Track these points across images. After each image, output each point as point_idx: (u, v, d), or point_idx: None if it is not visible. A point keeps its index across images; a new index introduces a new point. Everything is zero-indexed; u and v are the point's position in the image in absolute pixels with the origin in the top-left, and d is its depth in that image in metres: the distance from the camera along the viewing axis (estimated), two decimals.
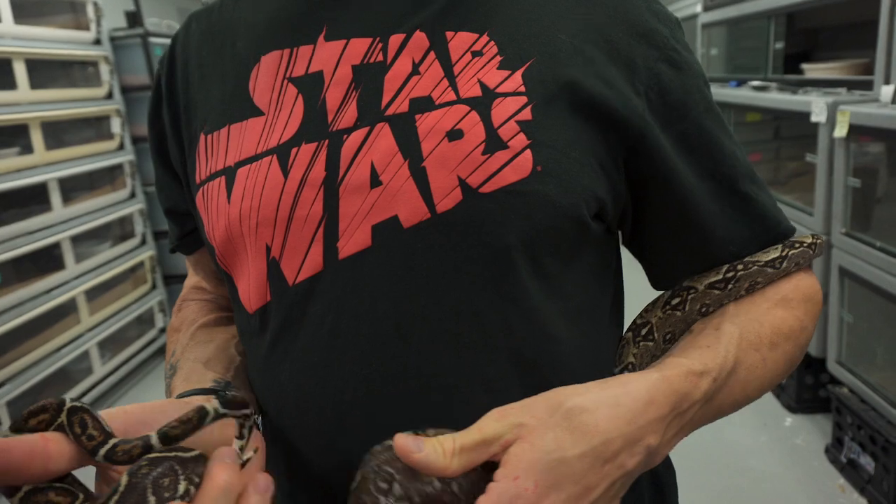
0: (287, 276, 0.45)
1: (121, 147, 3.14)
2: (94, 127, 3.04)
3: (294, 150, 0.45)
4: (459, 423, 0.37)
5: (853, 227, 1.86)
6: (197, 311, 0.61)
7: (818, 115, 1.91)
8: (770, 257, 0.52)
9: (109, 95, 3.10)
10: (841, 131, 1.80)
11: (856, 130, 1.75)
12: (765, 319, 0.49)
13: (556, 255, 0.44)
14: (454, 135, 0.41)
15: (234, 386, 0.47)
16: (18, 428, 0.36)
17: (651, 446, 0.38)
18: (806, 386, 2.23)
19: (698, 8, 3.29)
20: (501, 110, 0.41)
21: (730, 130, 0.51)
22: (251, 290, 0.48)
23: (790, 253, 0.53)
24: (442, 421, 0.39)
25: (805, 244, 0.53)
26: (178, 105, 0.54)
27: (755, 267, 0.51)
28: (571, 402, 0.36)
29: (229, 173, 0.48)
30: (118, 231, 3.16)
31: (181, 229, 0.61)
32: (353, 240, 0.43)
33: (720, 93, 2.75)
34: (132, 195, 3.21)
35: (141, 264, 3.25)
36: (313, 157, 0.44)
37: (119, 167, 3.15)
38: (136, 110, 3.30)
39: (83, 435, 0.35)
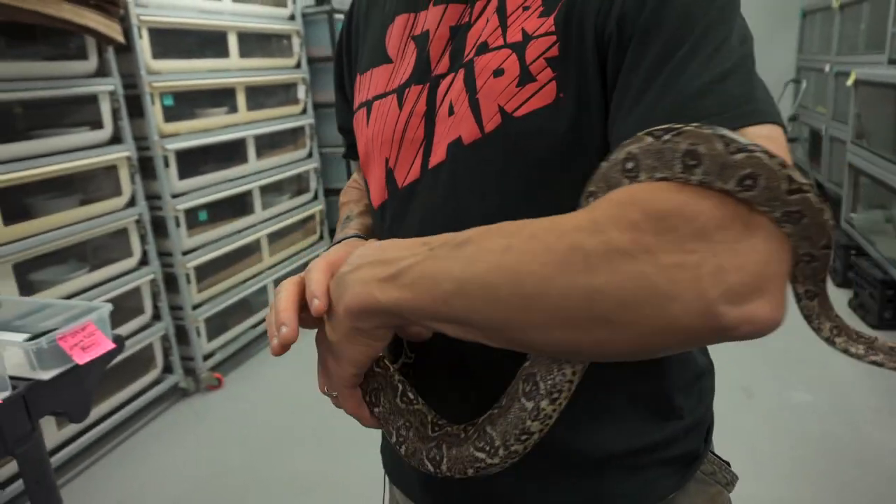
0: (398, 181, 0.62)
1: (304, 111, 3.55)
2: (283, 93, 3.47)
3: (407, 91, 0.61)
4: None
5: None
6: (359, 195, 0.79)
7: None
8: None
9: (298, 65, 3.51)
10: None
11: None
12: (549, 217, 0.42)
13: (582, 166, 0.48)
14: (498, 73, 0.53)
15: None
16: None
17: (342, 272, 0.47)
18: None
19: None
20: (533, 50, 0.52)
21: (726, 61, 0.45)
22: (375, 190, 0.65)
23: (635, 148, 0.40)
24: None
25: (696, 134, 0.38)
26: (352, 49, 0.73)
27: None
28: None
29: (368, 105, 0.66)
30: (296, 186, 3.59)
31: (349, 140, 0.79)
32: (436, 155, 0.58)
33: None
34: (310, 154, 3.62)
35: (312, 217, 3.67)
36: (419, 95, 0.59)
37: (301, 129, 3.56)
38: (319, 79, 3.70)
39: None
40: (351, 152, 0.81)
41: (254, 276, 3.14)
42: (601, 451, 0.59)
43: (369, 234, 0.71)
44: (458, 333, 0.43)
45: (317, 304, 0.48)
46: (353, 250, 0.50)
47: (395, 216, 0.63)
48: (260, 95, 3.23)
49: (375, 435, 0.63)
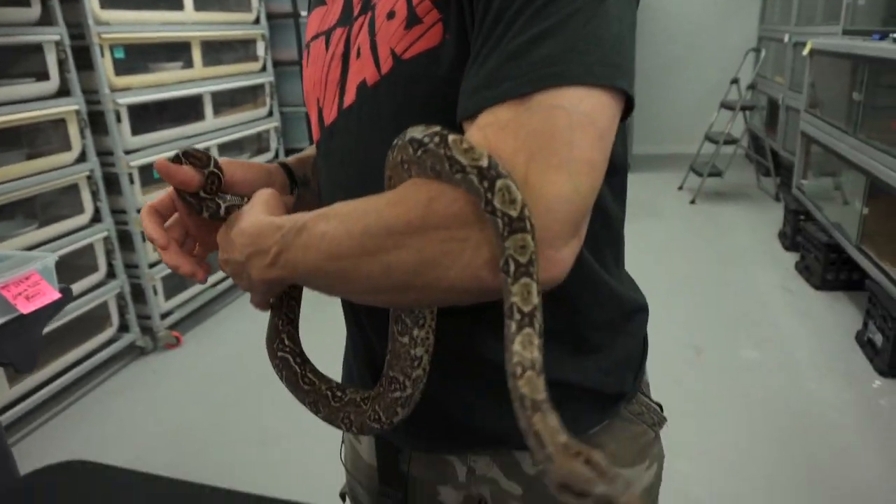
0: (325, 120, 0.64)
1: (263, 69, 3.47)
2: (242, 49, 3.38)
3: (333, 33, 0.63)
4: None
5: None
6: None
7: None
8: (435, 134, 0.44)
9: (257, 21, 3.41)
10: None
11: None
12: (361, 199, 0.49)
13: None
14: (390, 15, 0.55)
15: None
16: (177, 158, 0.60)
17: (238, 261, 0.55)
18: None
19: None
20: None
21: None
22: (314, 129, 0.68)
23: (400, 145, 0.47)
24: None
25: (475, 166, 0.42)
26: None
27: (431, 145, 0.44)
28: (248, 207, 0.57)
29: (308, 46, 0.68)
30: (256, 145, 3.53)
31: None
32: (348, 96, 0.60)
33: (861, 45, 2.60)
34: (270, 113, 3.55)
35: None
36: (340, 37, 0.61)
37: (261, 87, 3.48)
38: (279, 36, 3.61)
39: (207, 193, 0.61)
40: None
41: None
42: None
43: (299, 165, 0.75)
44: (329, 294, 0.53)
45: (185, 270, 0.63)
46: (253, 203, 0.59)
47: (325, 154, 0.66)
48: (217, 51, 3.14)
49: None
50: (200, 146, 2.91)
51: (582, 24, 0.44)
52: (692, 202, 4.40)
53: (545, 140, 0.43)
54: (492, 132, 0.45)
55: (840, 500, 1.72)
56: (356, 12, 0.61)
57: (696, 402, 2.15)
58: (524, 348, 0.41)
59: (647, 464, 0.68)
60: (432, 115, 0.53)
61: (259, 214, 0.57)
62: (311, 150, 0.77)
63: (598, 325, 0.63)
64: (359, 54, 0.58)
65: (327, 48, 0.63)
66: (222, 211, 0.60)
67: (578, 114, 0.43)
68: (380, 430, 0.59)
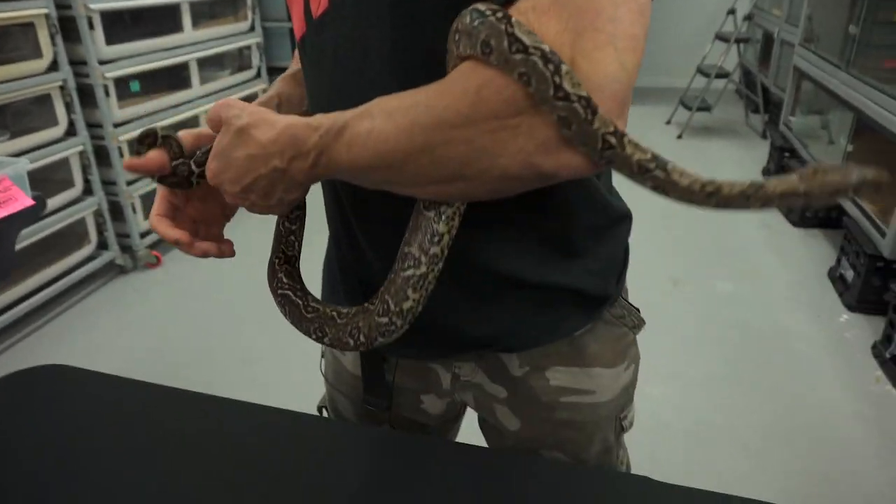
0: (313, 11, 0.61)
1: None
2: None
3: None
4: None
5: None
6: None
7: None
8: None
9: None
10: None
11: None
12: (406, 93, 0.49)
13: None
14: None
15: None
16: (139, 150, 0.60)
17: (277, 167, 0.52)
18: (872, 287, 2.24)
19: None
20: None
21: None
22: (296, 23, 0.65)
23: (458, 24, 0.46)
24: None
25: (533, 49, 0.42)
26: None
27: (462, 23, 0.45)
28: (241, 121, 0.52)
29: None
30: (237, 61, 3.41)
31: None
32: None
33: None
34: (252, 28, 3.41)
35: (255, 95, 3.51)
36: None
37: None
38: None
39: (171, 151, 0.60)
40: None
41: None
42: (515, 276, 0.62)
43: (280, 101, 0.73)
44: (372, 186, 0.53)
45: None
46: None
47: (312, 49, 0.63)
48: None
49: None
50: (179, 60, 2.83)
51: None
52: (679, 137, 4.37)
53: (590, 17, 0.43)
54: (534, 16, 0.44)
55: (802, 426, 1.80)
56: None
57: (670, 332, 2.21)
58: (685, 177, 0.46)
59: (626, 364, 0.71)
60: (425, 5, 0.53)
61: (279, 118, 0.54)
62: (272, 91, 0.74)
63: (587, 229, 0.64)
64: None
65: None
66: (195, 172, 0.60)
67: None
68: (389, 325, 0.56)
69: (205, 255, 0.63)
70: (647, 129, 4.56)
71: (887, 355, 1.98)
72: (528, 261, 0.62)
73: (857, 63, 2.59)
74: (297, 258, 0.66)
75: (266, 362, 2.12)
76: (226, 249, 0.64)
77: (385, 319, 0.55)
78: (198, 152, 0.61)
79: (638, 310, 0.73)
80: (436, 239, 0.53)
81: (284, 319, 0.63)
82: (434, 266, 0.54)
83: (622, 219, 0.69)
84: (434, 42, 0.53)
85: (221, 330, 2.32)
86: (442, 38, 0.52)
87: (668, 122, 4.70)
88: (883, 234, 2.13)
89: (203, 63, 3.04)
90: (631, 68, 0.44)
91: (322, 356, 0.85)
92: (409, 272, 0.54)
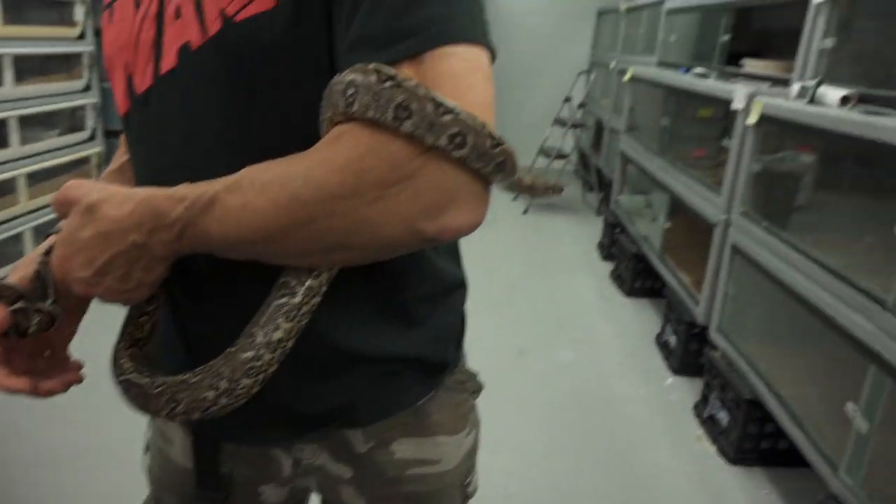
0: (136, 87, 0.59)
1: (82, 36, 3.12)
2: (56, 11, 3.01)
3: None
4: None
5: (749, 209, 2.05)
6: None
7: (738, 103, 2.07)
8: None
9: None
10: (753, 119, 1.97)
11: (765, 120, 1.93)
12: (277, 164, 0.48)
13: (297, 74, 0.52)
14: None
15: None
16: None
17: (136, 242, 0.49)
18: (690, 351, 2.45)
19: None
20: None
21: None
22: (119, 98, 0.62)
23: (359, 80, 0.44)
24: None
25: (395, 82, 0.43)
26: None
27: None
28: (90, 198, 0.49)
29: (111, 7, 0.62)
30: (69, 122, 3.16)
31: None
32: (167, 60, 0.56)
33: (668, 76, 2.90)
34: (87, 87, 3.20)
35: (88, 159, 3.26)
36: None
37: (77, 56, 3.13)
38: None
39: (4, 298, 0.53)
40: None
41: (7, 220, 2.72)
42: (356, 349, 0.61)
43: None
44: (248, 259, 0.50)
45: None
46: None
47: (137, 125, 0.61)
48: (21, 8, 2.77)
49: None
50: None
51: None
52: (525, 212, 4.65)
53: (451, 85, 0.45)
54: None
55: (634, 483, 1.89)
56: None
57: (515, 403, 2.26)
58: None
59: (468, 430, 0.72)
60: (262, 79, 0.53)
61: (135, 191, 0.50)
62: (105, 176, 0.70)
63: (422, 298, 0.65)
64: (178, 15, 0.55)
65: (137, 7, 0.58)
66: (33, 325, 0.53)
67: (470, 61, 0.47)
68: (256, 360, 0.51)
69: (50, 395, 0.56)
70: (496, 205, 4.80)
71: (705, 415, 2.15)
72: (368, 333, 0.61)
73: (671, 151, 2.92)
74: (148, 340, 0.60)
75: (74, 465, 1.87)
76: (73, 378, 0.59)
77: (251, 353, 0.52)
78: (36, 285, 0.54)
79: (476, 374, 0.75)
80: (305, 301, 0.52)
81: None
82: (309, 299, 0.52)
83: (457, 286, 0.71)
84: (266, 116, 0.54)
85: (18, 429, 2.02)
86: (275, 112, 0.53)
87: (515, 199, 4.99)
88: (697, 303, 2.36)
89: (25, 121, 2.78)
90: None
91: (145, 451, 0.76)
92: (283, 300, 0.52)
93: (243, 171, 0.48)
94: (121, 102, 0.62)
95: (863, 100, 1.65)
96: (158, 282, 0.53)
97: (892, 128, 1.35)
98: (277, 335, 0.51)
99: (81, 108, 3.18)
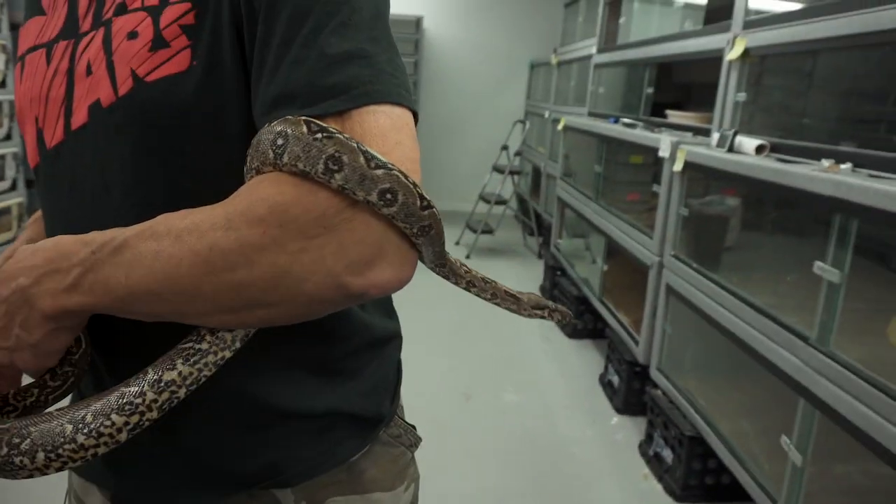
0: (46, 141, 0.58)
1: (2, 85, 3.01)
2: None
3: (55, 46, 0.58)
4: None
5: (680, 251, 2.14)
6: None
7: (664, 151, 2.19)
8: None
9: None
10: (678, 166, 2.08)
11: (689, 167, 2.04)
12: (195, 212, 0.46)
13: (208, 134, 0.52)
14: (132, 35, 0.52)
15: None
16: None
17: (22, 285, 0.46)
18: (633, 390, 2.50)
19: (593, 49, 3.61)
20: (169, 15, 0.52)
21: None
22: (30, 151, 0.61)
23: (289, 131, 0.43)
24: None
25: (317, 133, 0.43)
26: None
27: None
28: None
29: (23, 59, 0.62)
30: None
31: None
32: (78, 116, 0.56)
33: (600, 126, 3.04)
34: (8, 136, 3.07)
35: (8, 210, 3.11)
36: (64, 51, 0.57)
37: None
38: None
39: None
40: None
41: None
42: (284, 406, 0.59)
43: None
44: (158, 320, 0.47)
45: None
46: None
47: (47, 179, 0.60)
48: None
49: None
50: None
51: (381, 41, 0.50)
52: (467, 257, 4.69)
53: (379, 141, 0.46)
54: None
55: None
56: (85, 27, 0.56)
57: (465, 446, 2.23)
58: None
59: (406, 485, 0.70)
60: (173, 138, 0.52)
61: (47, 241, 0.47)
62: (24, 236, 0.68)
63: (352, 352, 0.64)
64: (89, 71, 0.54)
65: (48, 62, 0.58)
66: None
67: (395, 119, 0.47)
68: (138, 396, 0.46)
69: None
70: None
71: (651, 453, 2.19)
72: (296, 389, 0.60)
73: (606, 195, 3.04)
74: (28, 408, 0.53)
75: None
76: None
77: (135, 389, 0.46)
78: None
79: (414, 427, 0.73)
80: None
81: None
82: (218, 349, 0.48)
83: (390, 338, 0.70)
84: (176, 174, 0.53)
85: None
86: (185, 170, 0.53)
87: (458, 243, 5.04)
88: (637, 343, 2.43)
89: None
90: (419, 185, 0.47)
91: None
92: (188, 345, 0.48)
93: (159, 217, 0.46)
94: (31, 155, 0.61)
95: (775, 149, 1.78)
96: (48, 351, 0.49)
97: (802, 175, 1.46)
98: (169, 376, 0.46)
99: (1, 157, 3.04)
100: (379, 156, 0.43)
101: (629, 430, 2.42)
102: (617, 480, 2.11)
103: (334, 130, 0.43)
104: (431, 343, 3.08)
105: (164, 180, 0.53)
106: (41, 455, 0.44)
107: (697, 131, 2.34)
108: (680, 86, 3.26)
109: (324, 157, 0.42)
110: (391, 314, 0.72)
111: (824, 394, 1.36)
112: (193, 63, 0.51)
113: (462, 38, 5.91)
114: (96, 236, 0.46)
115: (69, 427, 0.44)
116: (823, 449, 1.44)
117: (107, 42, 0.54)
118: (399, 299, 0.71)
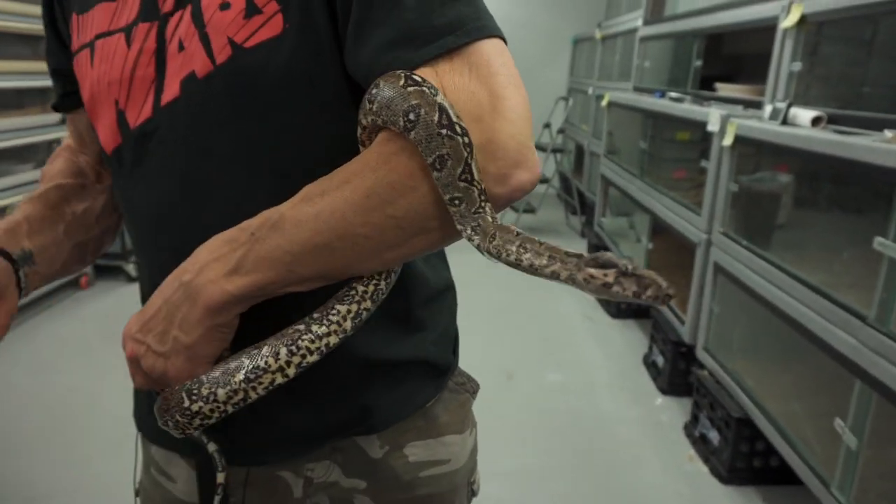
0: (130, 121, 0.60)
1: None
2: (30, 44, 3.00)
3: (135, 29, 0.59)
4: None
5: (729, 228, 2.08)
6: (60, 169, 0.73)
7: (713, 125, 2.12)
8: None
9: None
10: (728, 140, 2.01)
11: (740, 141, 1.97)
12: (336, 172, 0.50)
13: (302, 95, 0.55)
14: (224, 6, 0.55)
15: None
16: None
17: (185, 280, 0.50)
18: (678, 371, 2.46)
19: (639, 22, 3.51)
20: None
21: None
22: (107, 135, 0.62)
23: (423, 114, 0.46)
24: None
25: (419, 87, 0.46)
26: None
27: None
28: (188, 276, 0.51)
29: (91, 45, 0.62)
30: (43, 155, 3.13)
31: (63, 88, 0.73)
32: (169, 92, 0.57)
33: (645, 101, 2.96)
34: (63, 121, 3.18)
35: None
36: (147, 33, 0.58)
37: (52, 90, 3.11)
38: None
39: None
40: (64, 103, 0.75)
41: None
42: (368, 357, 0.63)
43: (9, 238, 0.65)
44: (309, 287, 0.51)
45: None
46: None
47: (132, 159, 0.61)
48: (3, 42, 2.77)
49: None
50: None
51: None
52: None
53: (492, 69, 0.50)
54: (446, 80, 0.49)
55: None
56: (167, 8, 0.58)
57: (507, 425, 2.24)
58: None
59: (471, 429, 0.75)
60: (273, 101, 0.55)
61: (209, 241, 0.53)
62: (18, 215, 0.69)
63: (423, 302, 0.68)
64: (181, 48, 0.56)
65: (129, 45, 0.59)
66: None
67: (499, 47, 0.52)
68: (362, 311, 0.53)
69: None
70: None
71: (696, 434, 2.15)
72: (379, 340, 0.63)
73: (651, 173, 2.97)
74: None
75: (57, 501, 1.81)
76: None
77: (302, 327, 0.51)
78: None
79: (471, 376, 0.77)
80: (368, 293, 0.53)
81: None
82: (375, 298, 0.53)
83: (448, 288, 0.73)
84: (277, 137, 0.56)
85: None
86: (285, 133, 0.56)
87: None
88: (683, 322, 2.37)
89: (0, 155, 2.75)
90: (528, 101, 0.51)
91: (136, 494, 0.74)
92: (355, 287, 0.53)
93: (305, 187, 0.50)
94: (109, 138, 0.62)
95: (832, 120, 1.69)
96: (201, 356, 0.51)
97: (861, 146, 1.39)
98: (364, 305, 0.52)
99: (56, 141, 3.15)
100: (454, 118, 0.46)
101: (674, 410, 2.38)
102: (661, 461, 2.08)
103: (459, 129, 0.46)
104: (473, 321, 3.08)
105: (264, 144, 0.56)
106: (283, 352, 0.50)
107: (748, 104, 2.25)
108: (730, 58, 3.13)
109: (436, 154, 0.46)
110: (447, 265, 0.75)
111: (883, 375, 1.31)
112: (287, 26, 0.54)
113: (504, 16, 5.81)
114: (252, 221, 0.50)
115: (242, 363, 0.50)
116: (880, 432, 1.39)
117: (196, 17, 0.56)
118: None
